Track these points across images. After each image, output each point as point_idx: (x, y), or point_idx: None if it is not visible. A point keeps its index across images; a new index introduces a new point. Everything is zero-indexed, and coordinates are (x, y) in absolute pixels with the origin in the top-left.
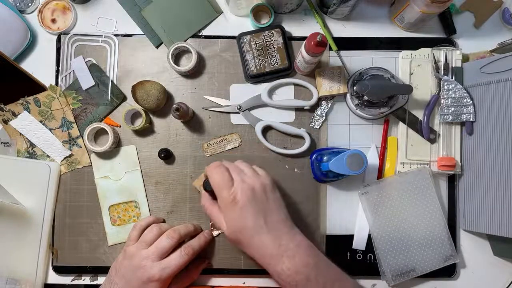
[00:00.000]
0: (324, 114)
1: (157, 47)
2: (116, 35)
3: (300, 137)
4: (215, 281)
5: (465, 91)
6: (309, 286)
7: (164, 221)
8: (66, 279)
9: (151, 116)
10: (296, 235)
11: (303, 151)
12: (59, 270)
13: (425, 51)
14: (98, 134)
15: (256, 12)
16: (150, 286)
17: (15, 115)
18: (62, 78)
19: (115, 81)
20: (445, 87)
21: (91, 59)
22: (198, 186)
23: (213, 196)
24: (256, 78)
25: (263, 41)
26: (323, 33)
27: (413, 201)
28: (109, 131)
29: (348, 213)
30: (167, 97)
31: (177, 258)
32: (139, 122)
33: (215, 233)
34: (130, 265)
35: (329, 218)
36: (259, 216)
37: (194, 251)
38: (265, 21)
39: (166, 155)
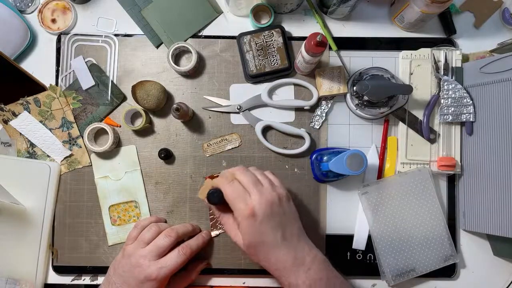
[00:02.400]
0: (324, 114)
1: (157, 47)
2: (116, 35)
3: (300, 137)
4: (215, 281)
5: (465, 91)
6: None
7: (165, 221)
8: (66, 279)
9: (151, 116)
10: (312, 248)
11: (303, 151)
12: (59, 270)
13: (425, 51)
14: (98, 134)
15: (256, 12)
16: (147, 286)
17: (15, 115)
18: (62, 78)
19: (115, 81)
20: (445, 87)
21: (91, 59)
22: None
23: (221, 208)
24: (256, 78)
25: (263, 41)
26: (323, 33)
27: (413, 201)
28: (109, 131)
29: (348, 213)
30: (167, 97)
31: (175, 258)
32: (139, 122)
33: (214, 233)
34: (127, 264)
35: (329, 218)
36: (277, 230)
37: (192, 250)
38: (265, 21)
39: (166, 155)
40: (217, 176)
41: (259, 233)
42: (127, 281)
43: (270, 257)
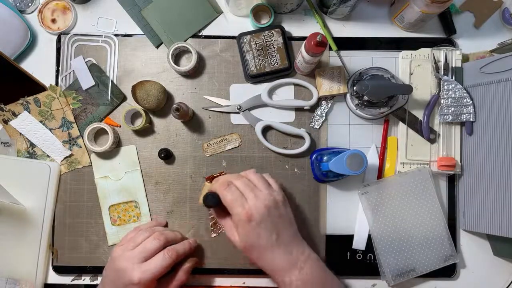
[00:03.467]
0: (324, 114)
1: (157, 47)
2: (116, 35)
3: (300, 137)
4: (215, 281)
5: (465, 91)
6: None
7: (166, 225)
8: (66, 279)
9: (151, 116)
10: (305, 248)
11: (303, 151)
12: (59, 270)
13: (425, 51)
14: (98, 134)
15: (256, 12)
16: None
17: (15, 115)
18: (62, 78)
19: (115, 81)
20: (445, 87)
21: (91, 59)
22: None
23: (219, 211)
24: (256, 78)
25: (263, 41)
26: (323, 33)
27: (413, 201)
28: (109, 131)
29: (348, 213)
30: (167, 97)
31: (159, 261)
32: (139, 122)
33: (214, 234)
34: (114, 266)
35: (329, 218)
36: (272, 233)
37: (178, 254)
38: (265, 21)
39: (166, 155)
40: (216, 177)
41: (255, 236)
42: (115, 282)
43: (265, 258)
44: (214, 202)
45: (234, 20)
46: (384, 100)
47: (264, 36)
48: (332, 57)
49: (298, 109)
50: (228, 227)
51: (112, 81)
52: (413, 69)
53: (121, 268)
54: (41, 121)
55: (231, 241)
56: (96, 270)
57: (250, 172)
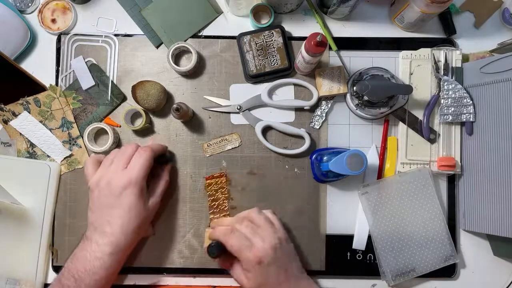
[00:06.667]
0: (324, 114)
1: (157, 47)
2: (116, 35)
3: (300, 137)
4: (215, 281)
5: (465, 91)
6: None
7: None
8: None
9: (151, 116)
10: (308, 280)
11: (303, 151)
12: (59, 270)
13: (425, 51)
14: (98, 134)
15: (256, 12)
16: (127, 193)
17: (15, 115)
18: (62, 78)
19: (115, 81)
20: (445, 87)
21: (91, 59)
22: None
23: (223, 259)
24: (256, 78)
25: (263, 41)
26: (323, 33)
27: (413, 201)
28: (109, 131)
29: (348, 213)
30: (167, 97)
31: (137, 158)
32: (139, 122)
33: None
34: (99, 188)
35: (329, 218)
36: (280, 271)
37: (151, 148)
38: (265, 21)
39: (163, 161)
40: (216, 177)
41: (265, 276)
42: (107, 199)
43: None
44: (218, 251)
45: (234, 20)
46: (384, 100)
47: (264, 36)
48: (332, 57)
49: (298, 109)
50: (236, 273)
51: (112, 81)
52: (413, 69)
53: (108, 182)
54: (41, 121)
55: (241, 286)
56: None
57: (253, 212)
